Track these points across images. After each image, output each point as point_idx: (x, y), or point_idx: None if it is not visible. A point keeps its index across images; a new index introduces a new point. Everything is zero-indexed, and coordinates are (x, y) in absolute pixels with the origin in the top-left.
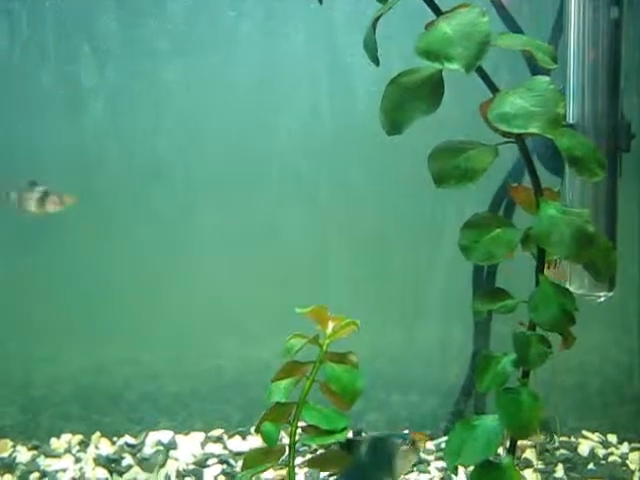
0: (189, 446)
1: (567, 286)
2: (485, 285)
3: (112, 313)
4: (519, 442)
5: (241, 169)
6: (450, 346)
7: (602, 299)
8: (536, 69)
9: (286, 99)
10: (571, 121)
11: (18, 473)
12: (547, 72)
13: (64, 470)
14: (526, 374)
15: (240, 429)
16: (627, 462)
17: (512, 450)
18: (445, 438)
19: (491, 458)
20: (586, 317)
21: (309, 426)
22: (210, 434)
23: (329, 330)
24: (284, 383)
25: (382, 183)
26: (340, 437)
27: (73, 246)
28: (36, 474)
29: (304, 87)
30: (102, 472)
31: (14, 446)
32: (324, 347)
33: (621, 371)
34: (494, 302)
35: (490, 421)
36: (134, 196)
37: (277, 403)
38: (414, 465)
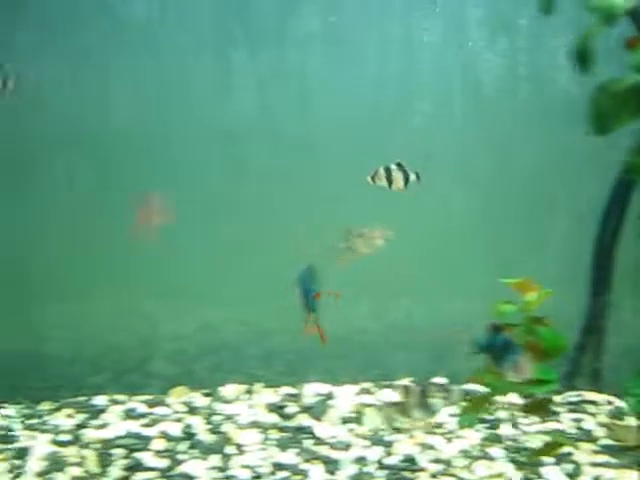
0: (346, 396)
1: None
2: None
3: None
4: None
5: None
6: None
7: None
8: None
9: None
10: None
11: (203, 415)
12: None
13: (239, 414)
14: None
15: (385, 382)
16: None
17: None
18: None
19: None
20: None
21: None
22: (361, 386)
23: (532, 298)
24: None
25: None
26: (553, 387)
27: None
28: (219, 416)
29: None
30: (273, 417)
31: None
32: (531, 312)
33: None
34: None
35: None
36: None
37: None
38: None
